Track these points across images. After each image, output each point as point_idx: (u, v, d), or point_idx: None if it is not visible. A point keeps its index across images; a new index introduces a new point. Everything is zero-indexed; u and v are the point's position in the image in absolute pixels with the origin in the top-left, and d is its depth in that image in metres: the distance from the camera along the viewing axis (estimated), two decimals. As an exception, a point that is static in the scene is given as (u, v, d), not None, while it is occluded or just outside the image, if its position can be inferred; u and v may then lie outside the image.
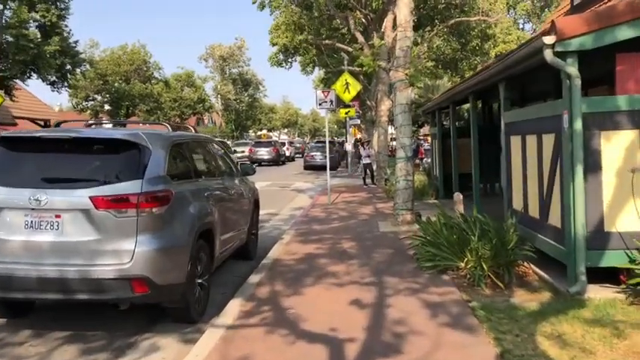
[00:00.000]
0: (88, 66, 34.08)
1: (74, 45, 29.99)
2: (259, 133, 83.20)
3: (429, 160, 20.65)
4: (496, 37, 29.74)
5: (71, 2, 28.71)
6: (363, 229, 10.35)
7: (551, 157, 6.05)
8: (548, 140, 6.11)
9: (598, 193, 5.47)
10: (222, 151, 7.67)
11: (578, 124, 5.34)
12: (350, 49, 20.67)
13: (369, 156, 19.85)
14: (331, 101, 14.09)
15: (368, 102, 29.86)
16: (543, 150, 6.33)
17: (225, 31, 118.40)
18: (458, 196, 8.08)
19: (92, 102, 44.31)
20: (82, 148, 5.10)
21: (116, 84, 44.10)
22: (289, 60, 27.97)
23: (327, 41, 22.10)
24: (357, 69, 23.97)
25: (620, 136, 5.43)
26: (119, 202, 4.70)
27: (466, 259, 6.49)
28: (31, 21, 24.72)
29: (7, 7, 23.12)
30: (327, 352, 4.41)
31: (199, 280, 5.64)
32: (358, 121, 35.76)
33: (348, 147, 28.26)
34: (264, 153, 37.04)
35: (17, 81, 26.43)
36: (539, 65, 6.10)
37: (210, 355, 4.41)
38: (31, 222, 4.74)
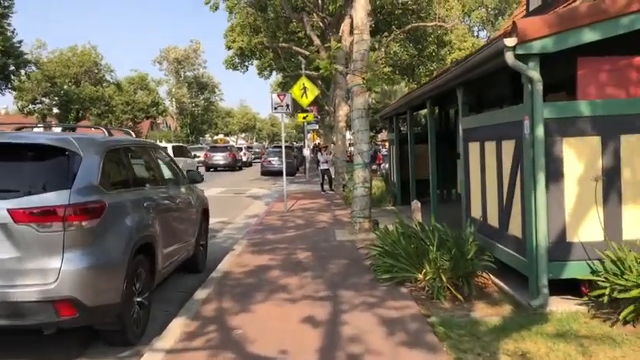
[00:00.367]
0: (33, 67, 32.77)
1: (18, 45, 28.75)
2: (216, 137, 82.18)
3: (387, 166, 20.51)
4: (452, 44, 30.00)
5: (14, 0, 27.48)
6: (319, 237, 10.00)
7: (511, 164, 5.83)
8: (508, 147, 5.90)
9: (560, 202, 5.27)
10: (167, 157, 7.18)
11: (540, 130, 5.12)
12: (307, 53, 20.39)
13: (327, 161, 19.54)
14: (287, 105, 13.70)
15: (326, 107, 29.63)
16: (503, 157, 6.11)
17: (182, 34, 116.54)
18: (416, 204, 7.83)
19: (39, 105, 42.53)
20: (2, 154, 4.55)
21: (65, 86, 42.47)
22: (245, 63, 27.46)
23: (283, 44, 21.73)
24: (315, 73, 23.77)
25: (582, 142, 5.24)
26: (43, 215, 4.19)
27: (424, 270, 6.21)
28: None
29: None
30: (275, 380, 4.02)
31: (138, 299, 5.15)
32: (316, 126, 35.53)
33: (306, 152, 27.94)
34: (219, 158, 36.25)
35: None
36: (499, 69, 5.90)
37: (144, 386, 3.95)
38: (-59, 238, 4.18)
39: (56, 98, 42.27)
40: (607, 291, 4.71)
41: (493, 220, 6.53)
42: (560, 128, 5.24)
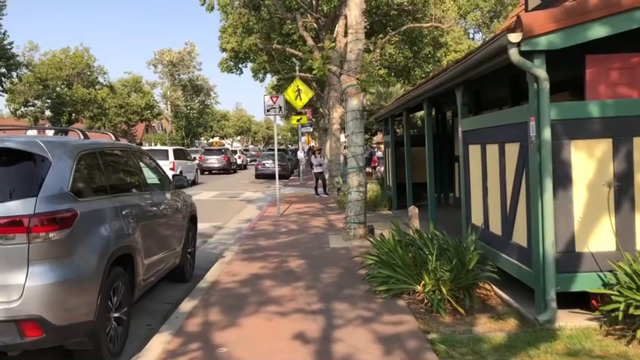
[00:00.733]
0: (24, 69, 32.32)
1: (9, 47, 28.31)
2: (211, 140, 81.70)
3: (382, 169, 20.17)
4: (448, 46, 29.71)
5: (6, 2, 27.04)
6: (312, 244, 9.62)
7: (515, 168, 5.48)
8: (512, 150, 5.55)
9: (568, 209, 4.91)
10: (151, 161, 6.79)
11: (547, 133, 4.77)
12: (301, 55, 20.02)
13: (320, 164, 19.17)
14: (280, 107, 13.35)
15: (321, 109, 29.32)
16: (506, 161, 5.76)
17: (176, 37, 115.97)
18: (413, 210, 7.47)
19: (32, 107, 42.00)
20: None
21: (57, 89, 41.95)
22: (240, 66, 27.08)
23: (277, 46, 21.36)
24: (310, 75, 23.43)
25: (592, 145, 4.89)
26: (4, 226, 3.81)
27: (423, 281, 5.85)
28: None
29: None
30: (261, 407, 3.65)
31: (116, 314, 4.77)
32: (311, 129, 35.21)
33: (301, 155, 27.56)
34: (214, 161, 35.87)
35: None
36: (501, 68, 5.56)
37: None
38: None
39: (48, 101, 41.75)
40: (622, 306, 4.36)
41: (496, 227, 6.17)
42: (569, 130, 4.89)
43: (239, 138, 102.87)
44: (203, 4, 21.34)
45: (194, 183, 27.48)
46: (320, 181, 19.36)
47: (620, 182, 4.88)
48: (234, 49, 23.29)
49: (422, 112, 20.01)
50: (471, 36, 50.39)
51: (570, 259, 4.92)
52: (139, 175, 6.02)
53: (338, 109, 18.77)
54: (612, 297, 4.58)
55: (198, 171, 29.52)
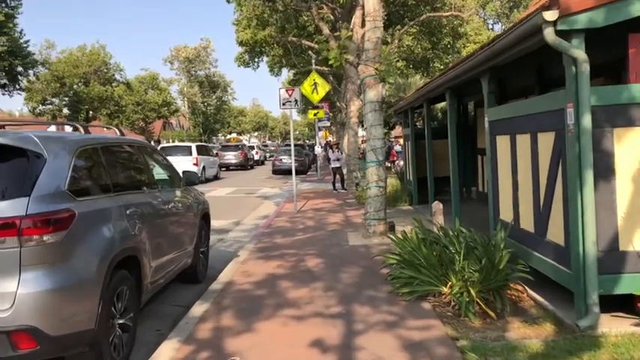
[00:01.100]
0: (41, 68, 32.37)
1: (25, 45, 28.33)
2: (229, 136, 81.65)
3: (402, 163, 19.70)
4: (467, 36, 29.03)
5: (22, 0, 27.04)
6: (330, 241, 9.25)
7: (550, 160, 5.04)
8: (546, 140, 5.11)
9: (611, 204, 4.47)
10: (160, 157, 6.47)
11: (587, 120, 4.33)
12: (317, 47, 19.62)
13: (338, 159, 18.76)
14: (296, 100, 12.97)
15: (338, 103, 28.88)
16: (539, 152, 5.32)
17: (192, 33, 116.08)
18: (437, 206, 7.05)
19: (50, 106, 42.18)
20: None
21: (74, 86, 42.05)
22: (256, 60, 26.76)
23: (293, 38, 20.97)
24: (326, 69, 23.02)
25: (637, 133, 4.44)
26: (-6, 228, 3.50)
27: (450, 282, 5.45)
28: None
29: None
30: None
31: (120, 321, 4.46)
32: (328, 123, 34.79)
33: (318, 150, 27.16)
34: (231, 157, 35.68)
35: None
36: (526, 55, 5.13)
37: None
38: None
39: (66, 99, 41.87)
40: (675, 312, 3.92)
41: (527, 223, 5.74)
42: (610, 117, 4.44)
43: (256, 134, 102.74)
44: (222, -4, 21.04)
45: (216, 178, 28.12)
46: (338, 176, 18.98)
47: (669, 173, 4.42)
48: (249, 41, 22.90)
49: (442, 104, 19.50)
50: (490, 26, 49.57)
51: (613, 259, 4.48)
52: (145, 171, 5.69)
53: (356, 102, 18.36)
54: (662, 300, 4.14)
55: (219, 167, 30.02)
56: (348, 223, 11.38)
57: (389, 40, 21.60)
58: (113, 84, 45.35)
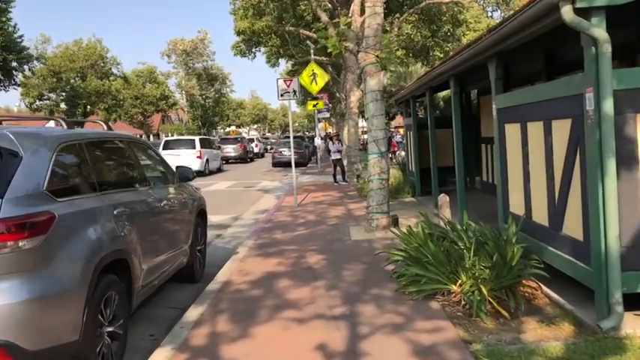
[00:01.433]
0: (36, 62, 31.95)
1: (20, 40, 27.93)
2: (228, 129, 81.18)
3: (403, 154, 19.37)
4: (468, 23, 28.57)
5: (15, -5, 26.60)
6: (332, 236, 8.95)
7: (566, 148, 4.71)
8: (562, 127, 4.78)
9: (636, 195, 4.15)
10: (152, 153, 6.14)
11: (609, 105, 4.01)
12: (316, 36, 19.23)
13: (339, 151, 18.42)
14: (294, 91, 12.62)
15: (337, 94, 28.51)
16: (554, 140, 4.99)
17: (189, 25, 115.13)
18: (443, 199, 6.73)
19: (47, 101, 41.77)
20: None
21: (71, 81, 41.60)
22: (253, 50, 26.34)
23: (290, 28, 20.56)
24: (325, 59, 22.61)
25: (663, 119, 4.11)
26: (-37, 234, 3.19)
27: (460, 280, 5.14)
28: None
29: None
30: None
31: (109, 329, 4.16)
32: (327, 115, 34.41)
33: (318, 141, 26.80)
34: (230, 150, 35.36)
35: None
36: (534, 39, 4.78)
37: None
38: None
39: (63, 94, 41.46)
40: None
41: (540, 216, 5.42)
42: (634, 102, 4.12)
43: (256, 126, 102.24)
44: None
45: (219, 170, 28.52)
46: (338, 168, 18.66)
47: (697, 162, 4.10)
48: (246, 31, 22.48)
49: (444, 93, 19.16)
50: (489, 14, 49.09)
51: (638, 255, 4.17)
52: (135, 168, 5.37)
53: (356, 92, 18.02)
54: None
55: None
56: (349, 216, 11.07)
57: (388, 29, 21.19)
58: (110, 78, 44.91)
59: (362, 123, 29.18)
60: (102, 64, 44.17)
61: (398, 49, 26.30)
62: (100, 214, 4.20)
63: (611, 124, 4.03)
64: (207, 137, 31.83)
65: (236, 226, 11.30)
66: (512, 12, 5.45)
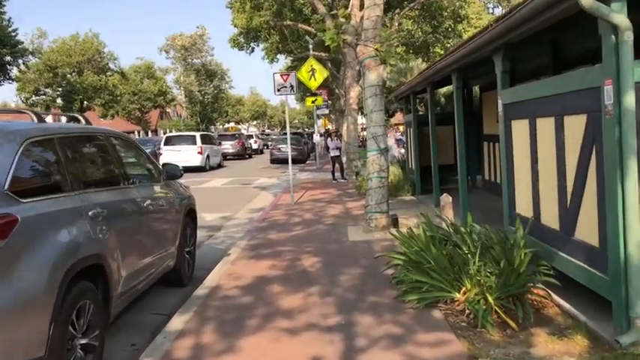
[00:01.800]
0: (31, 57, 31.53)
1: (14, 34, 27.53)
2: (227, 125, 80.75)
3: (402, 151, 19.01)
4: (469, 19, 28.17)
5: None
6: (329, 236, 8.59)
7: (580, 146, 4.35)
8: (576, 123, 4.42)
9: (659, 199, 3.79)
10: (136, 148, 5.77)
11: (630, 99, 3.65)
12: (315, 31, 18.86)
13: (337, 148, 18.06)
14: (292, 86, 12.25)
15: (337, 90, 28.12)
16: (566, 137, 4.63)
17: (187, 20, 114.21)
18: (446, 199, 6.38)
19: (43, 96, 41.33)
20: None
21: (68, 76, 41.16)
22: (251, 44, 25.95)
23: (289, 22, 20.17)
24: (324, 54, 22.22)
25: (689, 115, 3.75)
26: None
27: (464, 288, 4.79)
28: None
29: None
30: None
31: (82, 341, 3.80)
32: (327, 111, 34.00)
33: (317, 138, 26.42)
34: (228, 146, 34.97)
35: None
36: (539, 31, 4.42)
37: None
38: None
39: (59, 89, 41.01)
40: None
41: (550, 219, 5.06)
42: (658, 95, 3.75)
43: (255, 123, 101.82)
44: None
45: (219, 166, 28.76)
46: (337, 166, 18.30)
47: None
48: (243, 26, 22.08)
49: (445, 89, 18.80)
50: (491, 11, 48.74)
51: (660, 263, 3.81)
52: (116, 165, 5.00)
53: (355, 88, 17.66)
54: None
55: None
56: (347, 215, 10.71)
57: (388, 25, 20.80)
58: (107, 73, 44.45)
59: (361, 120, 28.82)
60: (99, 59, 43.71)
61: (398, 46, 25.92)
62: (73, 216, 3.84)
63: (632, 120, 3.66)
64: (208, 133, 32.13)
65: (230, 225, 10.94)
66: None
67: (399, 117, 36.39)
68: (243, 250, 7.93)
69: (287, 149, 26.77)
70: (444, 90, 18.62)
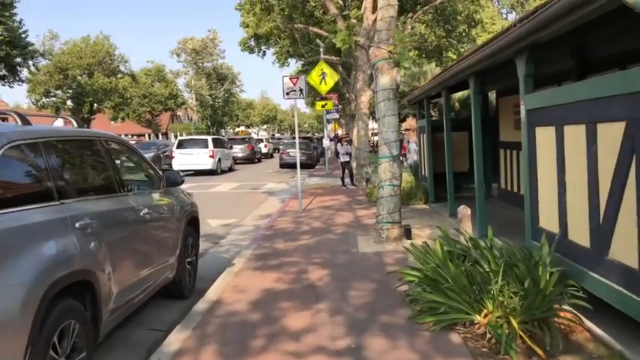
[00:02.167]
0: (41, 58, 31.45)
1: (24, 35, 27.47)
2: (237, 129, 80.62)
3: (415, 158, 18.60)
4: (483, 24, 27.75)
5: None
6: (338, 247, 8.20)
7: (618, 157, 3.95)
8: (612, 132, 4.02)
9: None
10: (133, 153, 5.43)
11: (678, 105, 3.25)
12: (326, 34, 18.52)
13: (348, 153, 17.68)
14: (301, 90, 11.90)
15: (347, 95, 27.77)
16: (600, 146, 4.24)
17: (198, 24, 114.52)
18: (464, 211, 5.98)
19: (53, 98, 41.33)
20: None
21: (78, 78, 41.13)
22: (262, 47, 25.67)
23: (299, 25, 19.84)
24: (335, 58, 21.88)
25: None
26: None
27: (485, 310, 4.39)
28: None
29: None
30: None
31: (67, 365, 3.45)
32: (337, 116, 33.64)
33: (327, 142, 26.05)
34: (237, 150, 34.72)
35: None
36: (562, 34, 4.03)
37: None
38: None
39: (69, 91, 40.98)
40: None
41: (579, 236, 4.65)
42: None
43: (265, 127, 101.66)
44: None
45: (230, 170, 28.87)
46: (347, 171, 17.92)
47: None
48: (253, 30, 21.79)
49: (460, 94, 18.39)
50: (505, 16, 48.37)
51: None
52: (111, 172, 4.64)
53: (367, 92, 17.29)
54: None
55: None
56: (357, 224, 10.32)
57: (401, 29, 20.41)
58: (118, 76, 44.41)
59: (372, 124, 28.43)
60: (109, 62, 43.68)
61: (410, 50, 25.52)
62: (57, 228, 3.49)
63: (680, 129, 3.27)
64: (219, 137, 32.35)
65: (236, 233, 10.58)
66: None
67: (410, 122, 35.97)
68: (249, 259, 7.57)
69: (296, 153, 26.59)
70: (458, 95, 18.21)
